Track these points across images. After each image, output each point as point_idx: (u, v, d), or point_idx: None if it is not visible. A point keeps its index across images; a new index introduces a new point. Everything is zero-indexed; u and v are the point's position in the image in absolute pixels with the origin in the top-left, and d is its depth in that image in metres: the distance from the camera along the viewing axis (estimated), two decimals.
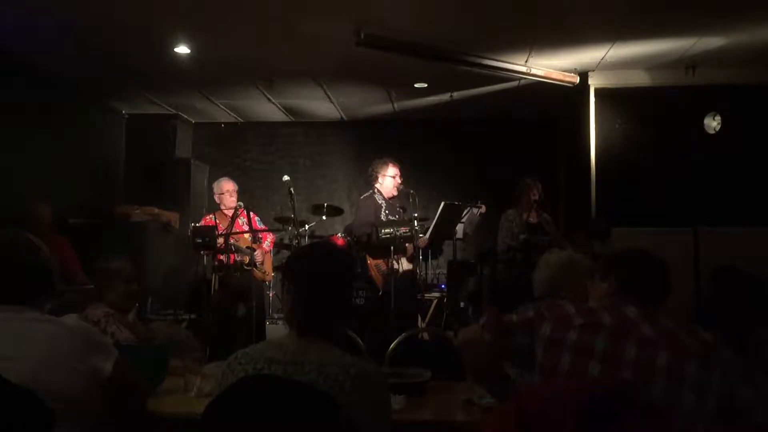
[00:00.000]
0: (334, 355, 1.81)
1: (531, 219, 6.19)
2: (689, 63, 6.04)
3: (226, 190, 6.21)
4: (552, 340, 1.97)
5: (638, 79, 6.31)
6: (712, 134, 5.59)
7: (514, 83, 6.71)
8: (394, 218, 5.62)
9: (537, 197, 6.21)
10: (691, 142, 5.74)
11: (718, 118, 5.59)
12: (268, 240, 6.34)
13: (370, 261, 5.52)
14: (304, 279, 1.93)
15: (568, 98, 6.67)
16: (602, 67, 6.18)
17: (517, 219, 6.25)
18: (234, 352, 1.90)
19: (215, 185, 6.41)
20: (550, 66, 6.19)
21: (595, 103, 6.37)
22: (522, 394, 1.89)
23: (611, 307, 2.04)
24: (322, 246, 2.20)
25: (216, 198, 6.33)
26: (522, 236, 6.03)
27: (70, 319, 2.01)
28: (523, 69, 6.12)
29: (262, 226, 6.38)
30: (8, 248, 2.03)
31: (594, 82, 6.36)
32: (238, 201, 6.07)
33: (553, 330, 1.99)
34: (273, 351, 1.82)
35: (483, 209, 6.05)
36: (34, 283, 2.04)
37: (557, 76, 6.30)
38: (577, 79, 6.36)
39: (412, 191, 5.65)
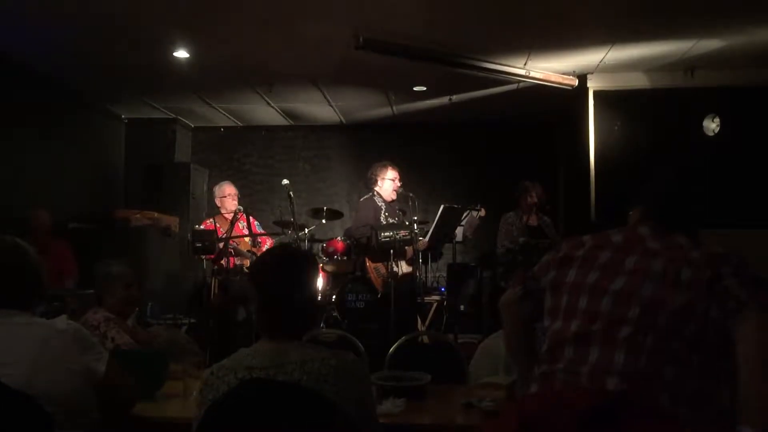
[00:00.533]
0: (312, 350, 1.84)
1: (531, 222, 6.20)
2: (688, 65, 6.04)
3: (228, 194, 6.21)
4: (560, 266, 1.99)
5: (637, 81, 6.31)
6: (712, 136, 5.61)
7: (513, 86, 6.72)
8: (393, 221, 5.63)
9: (536, 200, 6.22)
10: (691, 144, 5.75)
11: (717, 120, 5.62)
12: (267, 244, 6.34)
13: (369, 264, 5.53)
14: (265, 285, 1.95)
15: (567, 101, 6.67)
16: (601, 69, 6.18)
17: (517, 222, 6.25)
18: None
19: (216, 189, 6.41)
20: (548, 69, 6.20)
21: (594, 105, 6.37)
22: (523, 399, 1.88)
23: (626, 229, 2.02)
24: (277, 250, 2.21)
25: (217, 202, 6.34)
26: (522, 239, 6.04)
27: (61, 320, 2.01)
28: (522, 72, 6.12)
29: (262, 230, 6.38)
30: None
31: (593, 85, 6.36)
32: (238, 205, 6.07)
33: (562, 260, 2.01)
34: (250, 359, 1.84)
35: (482, 212, 6.06)
36: (22, 286, 2.04)
37: (556, 78, 6.30)
38: (576, 82, 6.37)
39: (411, 194, 5.65)
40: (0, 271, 2.01)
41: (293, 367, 1.76)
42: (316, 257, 6.34)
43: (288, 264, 1.97)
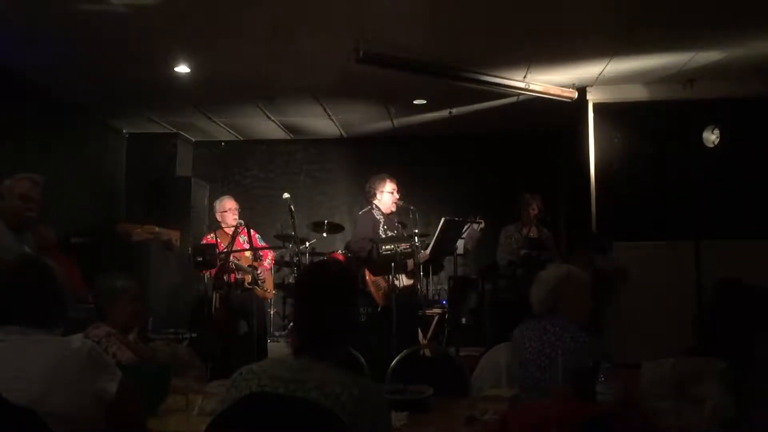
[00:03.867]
0: (337, 373, 1.81)
1: (531, 234, 6.21)
2: (687, 77, 6.06)
3: (228, 209, 6.21)
4: None
5: (637, 93, 6.33)
6: (711, 147, 5.60)
7: (513, 99, 6.74)
8: (392, 234, 5.62)
9: (537, 212, 6.23)
10: (691, 155, 5.76)
11: (716, 131, 5.61)
12: (268, 258, 6.34)
13: (369, 277, 5.52)
14: (304, 299, 1.95)
15: (567, 113, 6.69)
16: (600, 81, 6.20)
17: (516, 234, 6.26)
18: (235, 370, 1.91)
19: (217, 203, 6.42)
20: (548, 81, 6.22)
21: (594, 117, 6.38)
22: (509, 414, 1.88)
23: None
24: (323, 264, 2.18)
25: (218, 216, 6.34)
26: (523, 251, 6.05)
27: (76, 339, 2.01)
28: (522, 85, 6.14)
29: (263, 244, 6.38)
30: (22, 270, 2.05)
31: (592, 97, 6.38)
32: (239, 219, 6.08)
33: None
34: (277, 368, 1.83)
35: (482, 225, 6.07)
36: (45, 307, 2.05)
37: (556, 91, 6.32)
38: (576, 95, 6.38)
39: (412, 207, 5.65)
40: (25, 290, 2.02)
41: (313, 385, 1.74)
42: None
43: (328, 281, 1.96)
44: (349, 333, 1.98)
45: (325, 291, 1.93)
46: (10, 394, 1.74)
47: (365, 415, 1.74)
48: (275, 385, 1.77)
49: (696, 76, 6.03)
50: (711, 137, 5.67)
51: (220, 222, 6.28)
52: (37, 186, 4.02)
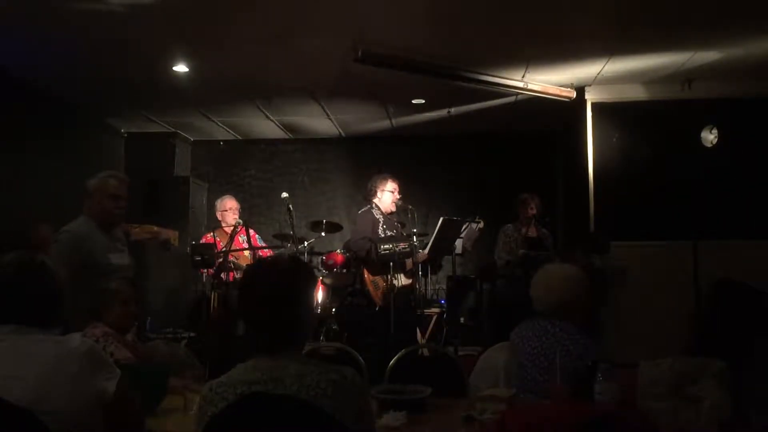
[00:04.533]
0: (311, 365, 1.83)
1: (530, 233, 6.21)
2: (686, 77, 6.07)
3: (229, 208, 6.21)
4: None
5: (635, 93, 6.33)
6: (710, 147, 5.61)
7: (511, 98, 6.74)
8: (392, 233, 5.62)
9: (534, 211, 6.23)
10: (689, 155, 5.76)
11: (715, 131, 5.62)
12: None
13: (367, 277, 5.52)
14: (255, 299, 1.92)
15: (565, 113, 6.70)
16: (599, 81, 6.21)
17: (514, 234, 6.26)
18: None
19: (218, 203, 6.41)
20: (546, 81, 6.22)
21: (593, 117, 6.38)
22: (507, 414, 1.88)
23: None
24: (266, 261, 2.17)
25: (218, 215, 6.34)
26: (521, 251, 6.05)
27: (75, 338, 2.01)
28: (520, 84, 6.15)
29: (263, 243, 6.38)
30: (20, 269, 2.05)
31: (591, 97, 6.38)
32: (238, 219, 6.07)
33: None
34: (248, 373, 1.83)
35: (481, 224, 6.06)
36: (43, 306, 2.05)
37: (554, 91, 6.32)
38: (574, 94, 6.39)
39: (410, 207, 5.65)
40: (24, 290, 2.02)
41: (291, 381, 1.75)
42: (316, 268, 6.34)
43: (279, 275, 1.93)
44: (311, 321, 2.00)
45: (271, 289, 1.90)
46: (8, 393, 1.74)
47: (347, 398, 1.76)
48: (253, 390, 1.77)
49: (694, 75, 6.03)
50: (709, 137, 5.67)
51: (220, 221, 6.28)
52: (123, 184, 4.05)
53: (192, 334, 5.79)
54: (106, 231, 3.99)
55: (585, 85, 6.33)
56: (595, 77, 6.10)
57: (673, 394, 2.03)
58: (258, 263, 2.19)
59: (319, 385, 1.74)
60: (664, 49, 5.46)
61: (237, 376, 1.84)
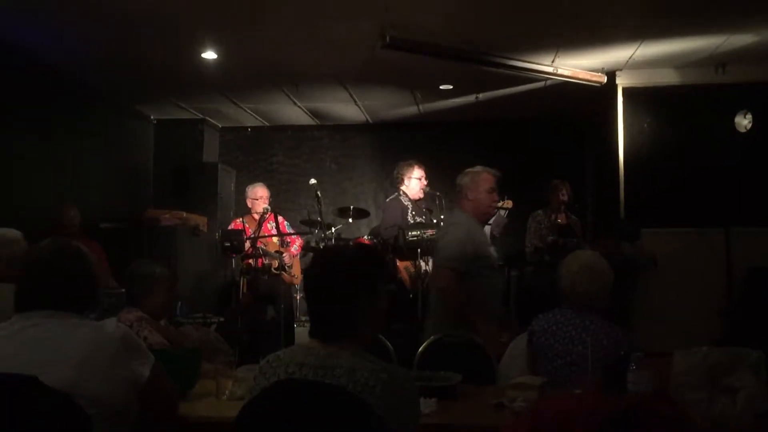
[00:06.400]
0: (365, 359, 1.80)
1: (560, 220, 6.18)
2: (719, 61, 5.95)
3: (260, 196, 6.25)
4: None
5: (667, 77, 6.22)
6: (744, 132, 5.52)
7: (541, 84, 6.67)
8: (420, 220, 5.62)
9: (566, 198, 6.19)
10: (722, 140, 5.67)
11: (749, 116, 5.53)
12: (296, 244, 6.37)
13: (399, 263, 5.52)
14: (314, 286, 1.91)
15: (595, 98, 6.61)
16: (630, 66, 6.11)
17: (545, 220, 6.22)
18: (262, 355, 1.92)
19: (249, 190, 6.45)
20: (577, 66, 6.14)
21: (623, 102, 6.30)
22: (539, 404, 1.87)
23: None
24: (337, 250, 2.09)
25: (248, 202, 6.38)
26: (550, 238, 6.01)
27: (110, 323, 2.04)
28: (550, 69, 6.08)
29: (291, 230, 6.41)
30: (56, 255, 2.08)
31: (622, 82, 6.29)
32: (266, 206, 6.12)
33: None
34: (304, 355, 1.82)
35: (509, 204, 6.02)
36: (79, 291, 2.08)
37: (584, 75, 6.24)
38: (605, 79, 6.30)
39: (438, 193, 5.64)
40: (60, 275, 2.05)
41: (341, 372, 1.74)
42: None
43: (340, 266, 1.90)
44: (374, 319, 1.91)
45: (336, 276, 1.87)
46: (45, 377, 1.77)
47: (394, 401, 1.73)
48: (304, 372, 1.77)
49: (728, 60, 5.91)
50: (743, 122, 5.58)
51: (250, 208, 6.32)
52: (496, 178, 4.04)
53: (221, 319, 5.85)
54: (482, 225, 3.99)
55: (616, 70, 6.24)
56: (627, 62, 6.01)
57: (708, 385, 2.00)
58: (328, 247, 2.16)
59: (368, 382, 1.72)
60: (697, 33, 5.36)
61: (293, 354, 1.85)
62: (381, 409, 1.68)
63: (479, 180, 3.94)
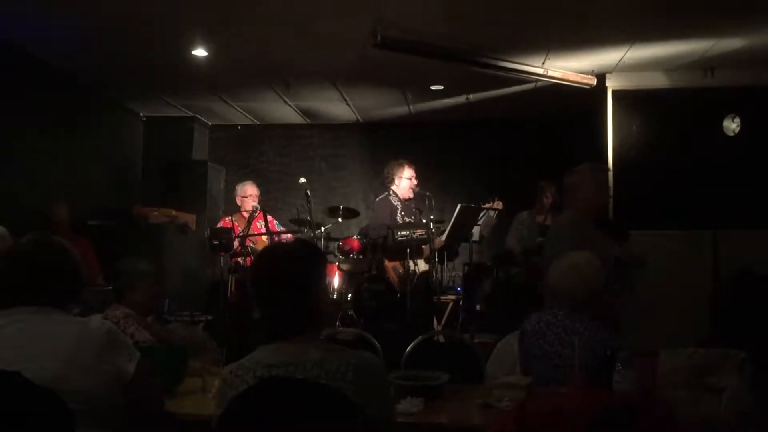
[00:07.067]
0: (331, 349, 1.84)
1: (546, 221, 6.20)
2: (708, 64, 5.98)
3: (249, 194, 6.25)
4: None
5: (656, 80, 6.25)
6: (732, 136, 5.54)
7: (531, 85, 6.69)
8: (410, 220, 5.62)
9: (551, 200, 6.20)
10: (710, 144, 5.69)
11: (737, 119, 5.55)
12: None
13: (387, 263, 5.53)
14: (267, 286, 1.93)
15: (585, 100, 6.64)
16: (620, 68, 6.14)
17: (528, 221, 6.23)
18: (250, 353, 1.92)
19: (238, 188, 6.43)
20: (567, 68, 6.16)
21: (613, 105, 6.32)
22: (526, 403, 1.87)
23: None
24: (279, 246, 2.17)
25: (237, 200, 6.37)
26: (539, 239, 6.02)
27: (95, 320, 2.03)
28: (540, 71, 6.09)
29: (281, 228, 6.40)
30: (38, 250, 2.07)
31: (612, 84, 6.31)
32: (255, 204, 6.10)
33: None
34: (269, 357, 1.84)
35: (500, 205, 6.04)
36: (62, 286, 2.07)
37: (574, 77, 6.26)
38: (595, 81, 6.32)
39: (428, 193, 5.65)
40: (43, 271, 2.04)
41: (312, 365, 1.76)
42: (333, 254, 6.35)
43: (289, 259, 1.94)
44: (327, 306, 2.01)
45: (281, 274, 1.91)
46: (30, 373, 1.76)
47: (366, 384, 1.76)
48: (273, 373, 1.78)
49: (717, 63, 5.95)
50: (731, 126, 5.61)
51: (240, 206, 6.30)
52: (606, 174, 3.89)
53: (209, 317, 5.83)
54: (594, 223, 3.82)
55: (606, 72, 6.26)
56: (617, 64, 6.04)
57: (694, 384, 2.02)
58: (269, 247, 2.18)
59: (339, 370, 1.74)
60: (686, 37, 5.39)
61: (257, 359, 1.85)
62: (356, 394, 1.71)
63: (590, 177, 3.87)
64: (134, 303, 3.05)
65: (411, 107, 7.86)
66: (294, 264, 1.92)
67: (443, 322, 6.59)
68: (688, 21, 5.07)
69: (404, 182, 5.71)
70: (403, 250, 5.29)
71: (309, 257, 1.97)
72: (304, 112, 8.21)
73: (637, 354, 2.22)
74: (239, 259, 5.87)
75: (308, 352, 1.80)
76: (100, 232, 6.29)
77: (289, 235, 6.44)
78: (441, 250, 5.92)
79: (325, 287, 2.02)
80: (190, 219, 7.17)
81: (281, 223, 6.74)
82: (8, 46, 5.64)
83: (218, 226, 6.24)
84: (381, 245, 5.50)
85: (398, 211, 5.63)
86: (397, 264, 5.50)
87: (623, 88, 6.31)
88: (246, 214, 6.10)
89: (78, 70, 6.45)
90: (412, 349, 3.38)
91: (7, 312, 1.98)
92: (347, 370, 1.75)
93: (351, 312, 6.02)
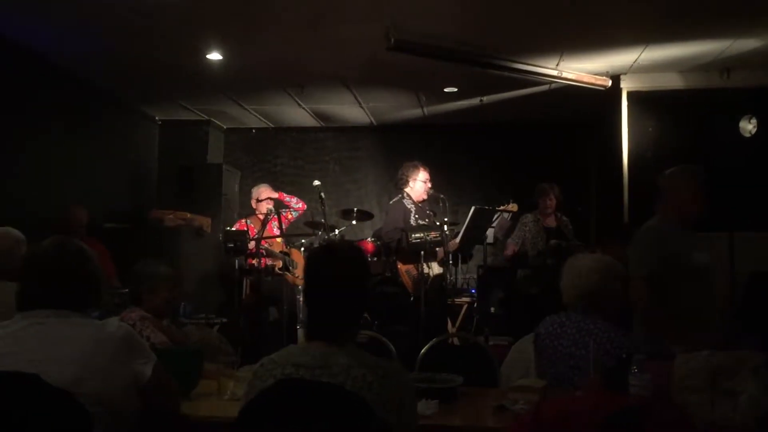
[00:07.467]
0: (361, 357, 1.82)
1: (549, 223, 6.17)
2: (724, 65, 5.94)
3: (264, 197, 6.27)
4: None
5: (672, 81, 6.22)
6: (748, 137, 5.50)
7: (545, 87, 6.67)
8: (423, 222, 5.61)
9: (553, 203, 6.16)
10: (727, 145, 5.65)
11: (754, 120, 5.51)
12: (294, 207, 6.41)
13: (400, 266, 5.52)
14: (315, 285, 1.94)
15: (600, 102, 6.61)
16: (635, 70, 6.11)
17: (532, 224, 6.20)
18: (265, 356, 1.92)
19: (254, 191, 6.46)
20: (581, 69, 6.14)
21: (628, 106, 6.29)
22: (541, 406, 1.87)
23: None
24: (332, 248, 2.09)
25: (252, 203, 6.39)
26: (553, 241, 6.00)
27: (112, 322, 2.04)
28: (554, 73, 6.07)
29: (296, 203, 6.43)
30: (58, 254, 2.08)
31: (626, 86, 6.28)
32: (270, 207, 6.13)
33: None
34: (299, 356, 1.84)
35: (515, 208, 6.02)
36: (81, 290, 2.08)
37: (589, 79, 6.24)
38: (609, 83, 6.29)
39: (442, 196, 5.64)
40: (62, 274, 2.06)
41: (338, 370, 1.76)
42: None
43: (344, 264, 1.94)
44: (361, 316, 1.99)
45: (337, 276, 1.91)
46: (48, 376, 1.78)
47: (392, 397, 1.75)
48: (300, 373, 1.79)
49: (733, 64, 5.91)
50: (748, 127, 5.57)
51: (255, 209, 6.33)
52: (701, 178, 3.72)
53: (224, 320, 5.85)
54: (683, 228, 3.66)
55: (620, 74, 6.24)
56: (631, 65, 6.01)
57: (709, 388, 2.00)
58: (324, 246, 2.16)
59: (366, 379, 1.74)
60: (702, 37, 5.36)
61: (288, 356, 1.86)
62: (379, 406, 1.69)
63: (681, 182, 3.72)
64: (151, 305, 3.07)
65: (425, 109, 7.86)
66: (348, 265, 1.94)
67: (457, 324, 6.58)
68: (703, 21, 5.03)
69: (419, 184, 5.70)
70: (417, 253, 5.28)
71: (360, 262, 1.99)
72: (318, 115, 8.23)
73: (653, 357, 2.21)
74: (254, 262, 5.89)
75: (337, 356, 1.80)
76: (115, 235, 6.34)
77: (301, 205, 6.46)
78: (455, 252, 5.91)
79: (365, 297, 2.01)
80: (205, 222, 7.21)
81: (296, 226, 6.76)
82: (27, 53, 5.71)
83: (233, 228, 6.26)
84: (395, 248, 5.49)
85: (412, 214, 5.63)
86: (410, 267, 5.49)
87: (638, 89, 6.28)
88: (261, 217, 6.12)
89: (94, 74, 6.51)
90: (427, 351, 3.37)
91: (26, 314, 2.00)
92: (374, 380, 1.74)
93: (365, 314, 6.02)
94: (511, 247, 6.26)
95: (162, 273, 3.13)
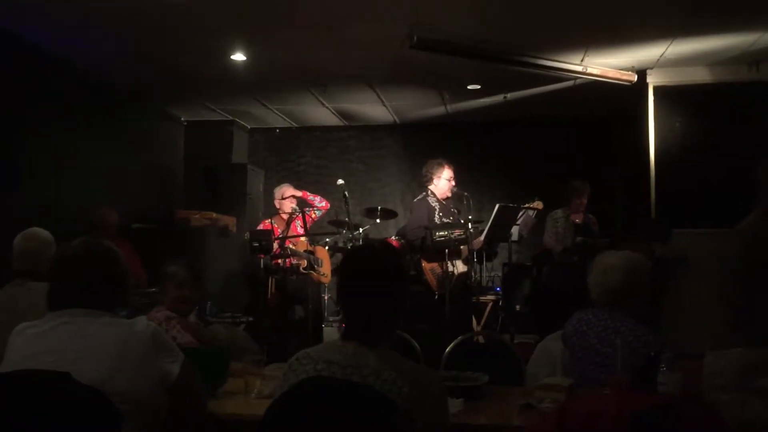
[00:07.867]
0: (393, 359, 1.80)
1: (577, 220, 6.15)
2: (752, 59, 5.85)
3: (288, 196, 6.30)
4: None
5: (699, 76, 6.13)
6: None
7: (570, 83, 6.62)
8: (448, 220, 5.60)
9: (585, 199, 6.15)
10: (755, 140, 5.56)
11: None
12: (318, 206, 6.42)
13: (425, 264, 5.51)
14: (352, 283, 1.91)
15: (625, 97, 6.54)
16: (661, 64, 6.04)
17: (563, 220, 6.18)
18: (291, 355, 1.92)
19: (276, 190, 6.49)
20: (606, 64, 6.08)
21: (654, 101, 6.22)
22: (567, 404, 1.85)
23: None
24: (370, 247, 2.07)
25: (276, 203, 6.42)
26: (579, 238, 5.97)
27: (140, 322, 2.06)
28: (579, 68, 6.02)
29: (320, 202, 6.44)
30: (88, 255, 2.11)
31: (653, 80, 6.21)
32: (295, 206, 6.16)
33: None
34: (332, 353, 1.83)
35: (540, 205, 5.99)
36: (110, 290, 2.11)
37: (614, 74, 6.18)
38: (635, 78, 6.23)
39: (466, 194, 5.61)
40: (92, 275, 2.09)
41: (369, 371, 1.75)
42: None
43: (383, 267, 1.91)
44: (400, 318, 1.93)
45: (374, 275, 1.89)
46: (78, 374, 1.80)
47: (422, 401, 1.73)
48: (332, 370, 1.78)
49: (762, 57, 5.81)
50: None
51: (278, 209, 6.36)
52: None
53: (250, 319, 5.90)
54: None
55: (646, 68, 6.16)
56: (658, 60, 5.93)
57: (739, 386, 1.97)
58: (362, 246, 2.14)
59: (396, 382, 1.72)
60: (729, 31, 5.27)
61: (323, 352, 1.86)
62: (408, 409, 1.68)
63: None
64: (166, 304, 3.09)
65: (448, 107, 7.84)
66: (393, 268, 1.92)
67: (482, 322, 6.56)
68: (731, 14, 4.95)
69: (443, 182, 5.68)
70: (441, 251, 5.26)
71: (399, 264, 1.96)
72: (342, 114, 8.25)
73: (682, 356, 2.18)
74: (279, 261, 5.93)
75: (368, 357, 1.78)
76: (142, 236, 6.41)
77: (325, 204, 6.48)
78: (480, 250, 5.89)
79: (404, 298, 1.94)
80: (230, 222, 7.26)
81: (319, 225, 6.78)
82: (54, 58, 5.79)
83: (258, 228, 6.30)
84: (419, 246, 5.48)
85: (436, 212, 5.61)
86: (435, 265, 5.47)
87: (665, 84, 6.20)
88: (285, 216, 6.15)
89: (119, 76, 6.58)
90: (452, 349, 3.36)
91: (57, 314, 2.03)
92: (404, 384, 1.72)
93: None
94: (552, 243, 6.23)
95: (168, 272, 3.15)
